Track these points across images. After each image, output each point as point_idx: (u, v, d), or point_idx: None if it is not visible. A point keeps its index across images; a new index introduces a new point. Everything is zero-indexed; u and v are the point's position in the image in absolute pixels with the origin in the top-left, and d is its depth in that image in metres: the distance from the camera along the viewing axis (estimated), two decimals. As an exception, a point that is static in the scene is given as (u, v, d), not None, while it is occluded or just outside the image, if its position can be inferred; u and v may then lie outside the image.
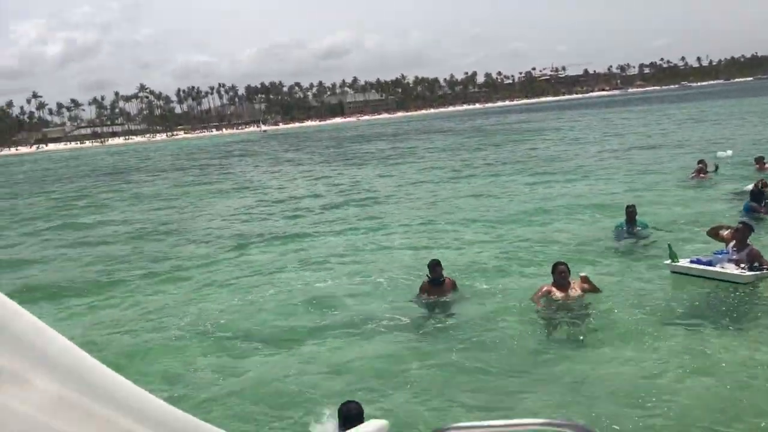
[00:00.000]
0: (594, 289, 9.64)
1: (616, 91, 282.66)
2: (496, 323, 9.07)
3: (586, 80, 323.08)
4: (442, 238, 16.02)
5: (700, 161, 21.92)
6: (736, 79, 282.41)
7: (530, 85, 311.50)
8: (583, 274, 9.80)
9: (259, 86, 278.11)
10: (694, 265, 10.27)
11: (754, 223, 12.17)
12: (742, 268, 9.68)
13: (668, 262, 10.63)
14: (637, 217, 13.75)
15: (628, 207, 13.95)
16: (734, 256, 9.83)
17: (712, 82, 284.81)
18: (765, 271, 9.64)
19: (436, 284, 10.26)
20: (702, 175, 21.00)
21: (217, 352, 9.16)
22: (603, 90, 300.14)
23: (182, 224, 22.24)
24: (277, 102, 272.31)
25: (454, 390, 7.16)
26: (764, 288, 9.61)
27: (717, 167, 21.85)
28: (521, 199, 21.56)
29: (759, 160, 21.44)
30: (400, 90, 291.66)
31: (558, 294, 9.44)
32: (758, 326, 8.41)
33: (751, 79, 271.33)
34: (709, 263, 10.11)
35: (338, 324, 9.77)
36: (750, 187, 16.12)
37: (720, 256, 10.05)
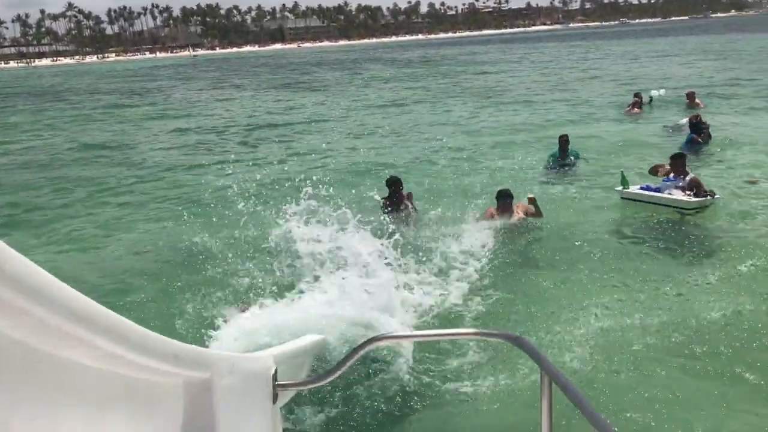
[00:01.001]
0: (537, 213, 10.04)
1: (558, 26, 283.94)
2: (444, 243, 9.40)
3: (529, 14, 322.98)
4: (386, 161, 16.23)
5: (636, 95, 22.56)
6: (673, 18, 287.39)
7: (473, 17, 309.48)
8: (530, 195, 10.19)
9: (195, 8, 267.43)
10: (644, 192, 10.80)
11: (693, 154, 12.83)
12: (688, 195, 10.28)
13: (620, 188, 11.10)
14: (569, 146, 14.19)
15: (561, 137, 14.39)
16: (680, 184, 10.48)
17: (650, 19, 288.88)
18: (709, 198, 10.23)
19: (397, 201, 10.50)
20: (636, 109, 21.64)
21: (144, 271, 9.33)
22: (545, 24, 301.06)
23: (118, 147, 21.75)
24: (214, 25, 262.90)
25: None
26: (705, 214, 10.21)
27: (651, 99, 22.60)
28: (462, 127, 21.91)
29: (690, 96, 22.20)
30: (342, 17, 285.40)
31: (502, 217, 9.84)
32: (702, 250, 8.87)
33: (686, 18, 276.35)
34: (658, 190, 10.68)
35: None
36: (684, 121, 16.86)
37: (668, 183, 10.64)
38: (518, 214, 9.93)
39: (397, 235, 9.71)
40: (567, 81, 37.01)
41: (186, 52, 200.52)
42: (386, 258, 8.44)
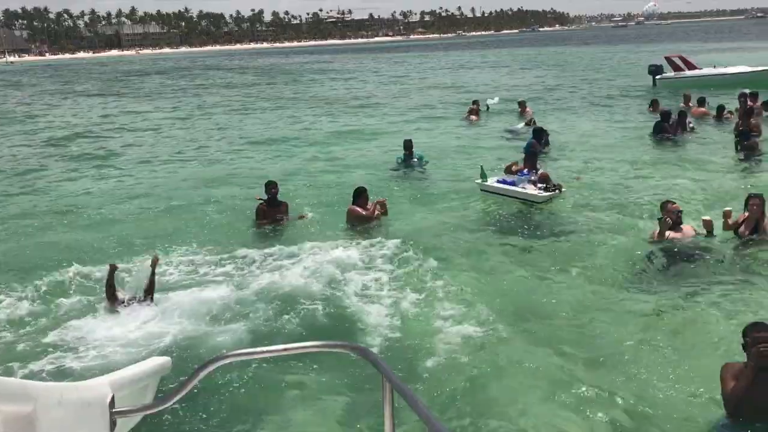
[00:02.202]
0: (384, 212, 10.56)
1: (399, 37, 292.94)
2: (325, 242, 9.49)
3: (371, 25, 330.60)
4: (239, 167, 16.05)
5: (474, 102, 23.87)
6: (505, 31, 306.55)
7: (318, 26, 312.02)
8: (381, 199, 10.67)
9: (20, 11, 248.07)
10: (500, 185, 11.68)
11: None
12: (539, 189, 11.29)
13: (479, 181, 11.89)
14: (414, 150, 14.88)
15: (406, 141, 15.05)
16: (532, 177, 11.54)
17: (484, 32, 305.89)
18: (556, 192, 11.30)
19: (274, 206, 10.60)
20: (474, 116, 22.85)
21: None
22: (387, 35, 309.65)
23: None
24: (43, 30, 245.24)
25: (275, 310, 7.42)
26: (552, 205, 11.15)
27: (488, 107, 24.01)
28: (313, 131, 22.12)
29: (521, 104, 23.72)
30: (183, 24, 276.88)
31: (362, 214, 10.29)
32: (549, 238, 9.61)
33: (517, 31, 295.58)
34: (513, 183, 11.55)
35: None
36: (520, 125, 18.20)
37: (522, 177, 11.59)
38: (374, 212, 10.34)
39: (273, 240, 9.85)
40: (410, 89, 38.37)
41: (3, 59, 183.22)
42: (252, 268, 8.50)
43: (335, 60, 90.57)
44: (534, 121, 16.96)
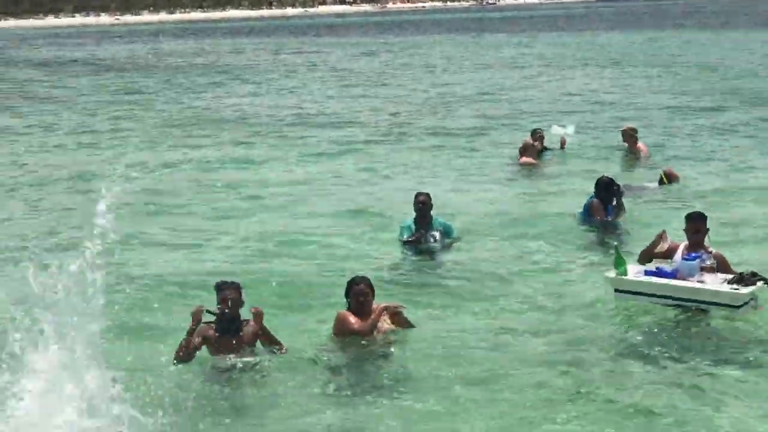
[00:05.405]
0: (396, 323, 7.74)
1: (368, 6, 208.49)
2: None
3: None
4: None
5: (535, 132, 15.26)
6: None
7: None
8: (391, 303, 7.46)
9: None
10: (655, 279, 7.40)
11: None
12: (726, 281, 7.13)
13: (612, 275, 7.69)
14: (432, 214, 10.57)
15: (418, 196, 10.49)
16: (707, 262, 7.40)
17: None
18: (759, 286, 7.15)
19: (229, 328, 6.77)
20: (529, 158, 14.53)
21: None
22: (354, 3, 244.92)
23: None
24: None
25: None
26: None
27: (563, 145, 15.68)
28: (251, 177, 14.11)
29: (628, 135, 15.16)
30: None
31: (354, 328, 7.54)
32: None
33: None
34: (675, 274, 7.33)
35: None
36: (653, 185, 12.47)
37: (691, 262, 7.39)
38: (382, 322, 7.25)
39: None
40: (407, 102, 25.53)
41: None
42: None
43: (265, 46, 58.35)
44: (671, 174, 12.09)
